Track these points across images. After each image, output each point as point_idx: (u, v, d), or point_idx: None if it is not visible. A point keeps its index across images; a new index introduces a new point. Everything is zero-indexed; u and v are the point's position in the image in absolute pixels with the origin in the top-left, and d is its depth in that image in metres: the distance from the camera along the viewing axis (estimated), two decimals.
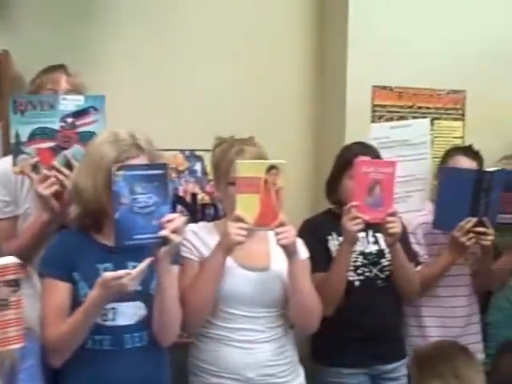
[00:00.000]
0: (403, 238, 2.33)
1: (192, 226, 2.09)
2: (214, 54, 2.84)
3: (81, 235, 1.80)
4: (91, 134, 1.96)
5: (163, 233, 1.64)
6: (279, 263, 1.97)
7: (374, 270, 2.32)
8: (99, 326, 1.71)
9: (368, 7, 2.77)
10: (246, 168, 1.83)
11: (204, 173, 2.73)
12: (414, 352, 1.86)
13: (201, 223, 2.17)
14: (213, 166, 2.10)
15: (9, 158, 2.05)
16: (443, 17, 2.84)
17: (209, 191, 2.67)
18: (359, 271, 2.30)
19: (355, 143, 2.44)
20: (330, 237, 2.32)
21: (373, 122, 2.79)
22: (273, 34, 2.93)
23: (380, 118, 2.81)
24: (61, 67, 2.24)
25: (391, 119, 2.82)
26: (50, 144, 1.98)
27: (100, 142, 1.77)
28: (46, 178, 1.92)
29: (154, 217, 1.66)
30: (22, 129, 1.98)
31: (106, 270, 1.69)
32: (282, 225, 1.85)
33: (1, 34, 2.54)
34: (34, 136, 1.98)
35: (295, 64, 2.98)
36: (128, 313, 1.74)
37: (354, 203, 2.10)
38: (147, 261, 1.64)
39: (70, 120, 2.01)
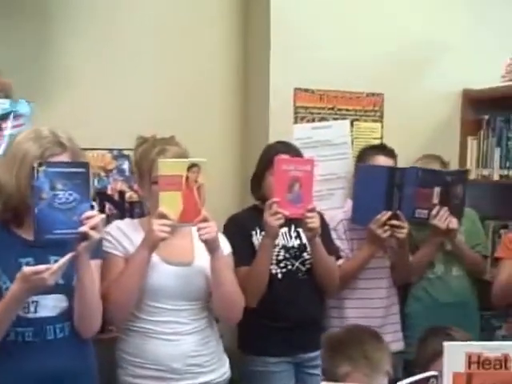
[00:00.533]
0: (324, 232, 2.43)
1: (117, 222, 2.14)
2: (139, 59, 2.82)
3: (1, 230, 1.81)
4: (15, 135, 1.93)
5: (82, 229, 1.67)
6: (202, 258, 2.04)
7: (296, 264, 2.41)
8: (21, 319, 1.73)
9: (289, 13, 2.82)
10: (167, 166, 1.89)
11: (131, 172, 2.69)
12: (325, 337, 1.94)
13: (126, 220, 2.22)
14: (135, 165, 2.15)
15: None
16: (362, 22, 2.92)
17: (136, 189, 2.67)
18: (282, 264, 2.39)
19: (277, 142, 2.53)
20: (253, 232, 2.39)
21: (295, 123, 2.85)
22: (197, 37, 2.93)
23: (302, 119, 2.87)
24: None
25: (313, 120, 2.89)
26: None
27: (22, 139, 1.79)
28: None
29: (75, 213, 1.69)
30: None
31: (27, 264, 1.71)
32: (204, 220, 1.92)
33: None
34: None
35: (220, 66, 3.01)
36: (50, 305, 1.77)
37: (274, 199, 2.19)
38: (68, 256, 1.67)
39: None
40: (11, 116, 2.05)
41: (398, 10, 3.00)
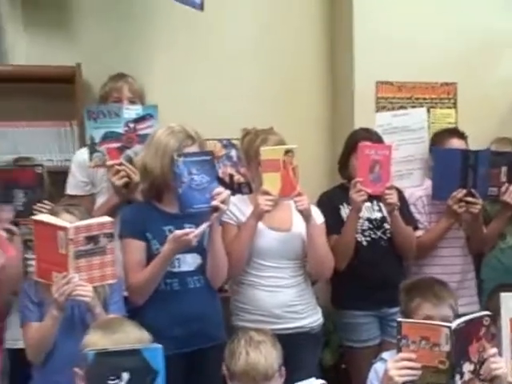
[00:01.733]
0: (402, 206, 2.78)
1: (232, 198, 2.59)
2: (241, 57, 3.31)
3: (147, 205, 2.32)
4: (148, 136, 2.39)
5: (214, 203, 2.16)
6: (299, 225, 2.47)
7: (378, 233, 2.79)
8: (169, 272, 2.23)
9: (371, 13, 3.18)
10: (267, 153, 2.33)
11: (238, 158, 3.18)
12: (402, 284, 2.32)
13: (238, 196, 2.69)
14: (243, 153, 2.60)
15: (84, 149, 2.55)
16: (437, 17, 3.22)
17: (243, 172, 3.13)
18: (366, 233, 2.78)
19: (360, 129, 2.91)
20: (341, 206, 2.79)
21: (377, 111, 3.21)
22: (290, 37, 3.37)
23: (383, 108, 3.22)
24: (122, 77, 2.74)
25: (393, 109, 3.23)
26: (117, 144, 2.45)
27: (161, 135, 2.27)
28: (118, 171, 2.41)
29: (207, 191, 2.16)
30: (95, 132, 2.44)
31: (169, 231, 2.21)
32: (299, 195, 2.37)
33: (74, 49, 3.06)
34: (104, 138, 2.45)
35: (310, 64, 3.42)
36: (189, 261, 2.26)
37: (358, 179, 2.60)
38: (206, 224, 2.16)
39: (131, 125, 2.47)
40: (143, 119, 2.49)
41: (469, 7, 3.26)
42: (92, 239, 1.97)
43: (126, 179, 2.40)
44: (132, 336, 1.72)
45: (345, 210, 2.78)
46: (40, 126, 2.96)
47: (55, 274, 1.97)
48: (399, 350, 1.72)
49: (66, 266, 1.94)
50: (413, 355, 1.67)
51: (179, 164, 2.14)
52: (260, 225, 2.44)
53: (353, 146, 2.79)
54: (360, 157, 2.64)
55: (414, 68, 3.24)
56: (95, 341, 1.69)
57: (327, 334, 2.81)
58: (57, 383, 1.99)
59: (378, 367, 2.15)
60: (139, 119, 2.49)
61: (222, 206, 2.18)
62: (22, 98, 3.01)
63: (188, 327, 2.24)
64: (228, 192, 2.24)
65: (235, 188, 3.15)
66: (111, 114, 2.47)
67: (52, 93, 2.99)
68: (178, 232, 2.14)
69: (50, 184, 2.58)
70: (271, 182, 2.34)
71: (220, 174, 3.14)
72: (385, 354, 2.20)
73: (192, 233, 2.14)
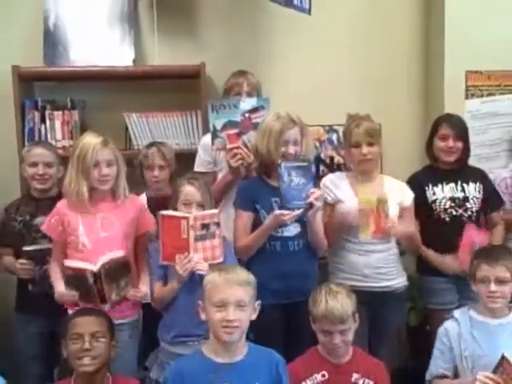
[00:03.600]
0: (489, 188, 3.14)
1: (330, 175, 3.04)
2: (344, 51, 3.69)
3: (259, 180, 2.78)
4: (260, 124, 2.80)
5: (309, 200, 2.61)
6: (390, 200, 2.80)
7: (460, 211, 3.08)
8: (273, 236, 2.68)
9: (462, 6, 3.46)
10: (363, 200, 2.71)
11: (339, 142, 3.57)
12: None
13: (337, 173, 3.11)
14: (343, 135, 3.01)
15: (208, 135, 3.01)
16: None
17: (343, 155, 3.48)
18: (448, 211, 3.08)
19: (444, 114, 3.24)
20: (426, 187, 3.09)
21: (466, 98, 3.49)
22: (388, 31, 3.69)
23: (472, 95, 3.49)
24: (243, 73, 3.17)
25: (481, 96, 3.49)
26: (235, 131, 2.87)
27: (269, 120, 2.74)
28: (235, 154, 2.86)
29: (303, 191, 2.62)
30: (217, 122, 2.86)
31: (275, 202, 2.67)
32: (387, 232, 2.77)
33: (199, 50, 3.56)
34: (225, 126, 2.87)
35: (405, 55, 3.74)
36: (290, 229, 2.70)
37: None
38: (300, 211, 2.61)
39: (247, 115, 2.88)
40: (257, 109, 2.91)
41: None
42: (205, 226, 2.49)
43: (240, 161, 2.86)
44: (241, 277, 2.09)
45: (429, 192, 3.10)
46: (170, 116, 3.47)
47: (178, 255, 2.48)
48: (494, 372, 2.16)
49: (188, 247, 2.47)
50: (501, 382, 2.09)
51: (282, 167, 2.62)
52: (355, 198, 2.80)
53: (435, 128, 3.12)
54: (465, 236, 2.96)
55: (502, 58, 3.47)
56: (213, 278, 2.09)
57: (413, 299, 3.15)
58: (180, 322, 2.50)
59: (448, 324, 2.54)
60: (254, 110, 2.90)
61: (315, 202, 2.62)
62: (155, 93, 3.55)
63: (286, 282, 2.66)
64: (320, 192, 2.67)
65: (335, 168, 3.55)
66: (230, 106, 2.91)
67: (180, 88, 3.51)
68: (278, 212, 2.60)
69: (177, 163, 3.11)
70: (365, 225, 2.74)
71: (322, 157, 3.56)
72: (455, 312, 2.58)
73: (289, 215, 2.59)
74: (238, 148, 2.86)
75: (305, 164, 2.67)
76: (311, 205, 2.62)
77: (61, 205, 2.63)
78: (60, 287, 2.53)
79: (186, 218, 2.47)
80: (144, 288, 2.60)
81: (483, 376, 2.21)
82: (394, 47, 3.74)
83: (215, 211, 2.55)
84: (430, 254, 3.07)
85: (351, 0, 3.72)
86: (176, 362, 2.18)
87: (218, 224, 2.52)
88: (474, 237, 2.95)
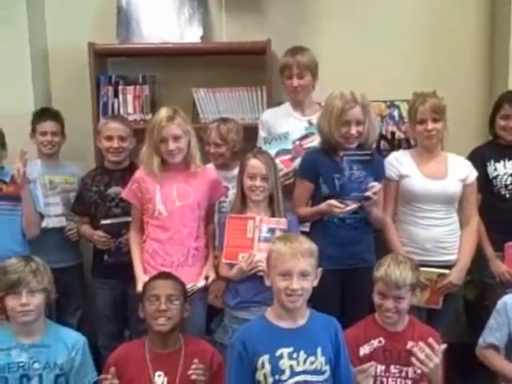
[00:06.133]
0: None
1: (395, 153, 3.09)
2: (409, 31, 3.72)
3: (323, 154, 2.84)
4: (312, 147, 2.97)
5: (367, 193, 2.69)
6: (453, 176, 2.90)
7: None
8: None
9: None
10: (424, 273, 2.74)
11: (400, 117, 3.60)
12: None
13: (400, 150, 3.17)
14: (408, 112, 3.04)
15: (267, 112, 3.23)
16: None
17: (404, 130, 3.56)
18: (509, 188, 3.10)
19: (507, 91, 3.24)
20: (488, 163, 3.12)
21: None
22: (449, 9, 3.73)
23: None
24: (294, 53, 3.10)
25: None
26: (288, 156, 3.02)
27: (332, 98, 2.80)
28: (289, 178, 2.98)
29: (363, 184, 2.70)
30: (270, 151, 2.96)
31: (337, 178, 2.74)
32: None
33: (265, 27, 3.66)
34: (277, 153, 3.00)
35: (470, 35, 3.76)
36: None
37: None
38: (357, 205, 2.71)
39: (297, 143, 3.04)
40: (307, 136, 3.06)
41: None
42: (271, 230, 2.67)
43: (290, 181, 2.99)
44: (305, 246, 2.16)
45: (491, 168, 3.13)
46: (236, 91, 3.58)
47: (241, 254, 2.64)
48: None
49: (252, 246, 2.64)
50: None
51: (344, 160, 2.69)
52: (418, 173, 2.90)
53: (498, 106, 3.14)
54: (507, 255, 3.02)
55: None
56: (279, 247, 2.16)
57: (470, 273, 3.17)
58: (244, 289, 2.68)
59: (507, 299, 2.60)
60: (304, 137, 3.07)
61: (373, 196, 2.71)
62: (222, 69, 3.68)
63: (343, 249, 2.78)
64: (380, 185, 2.74)
65: (396, 143, 3.61)
66: (281, 138, 3.08)
67: (246, 64, 3.62)
68: (333, 201, 2.71)
69: (244, 137, 3.22)
70: (422, 295, 2.82)
71: (383, 132, 3.61)
72: None
73: (341, 209, 2.70)
74: (290, 172, 3.01)
75: (367, 157, 2.72)
76: (369, 198, 2.71)
77: (140, 173, 2.81)
78: (139, 272, 2.77)
79: (253, 219, 2.66)
80: (210, 272, 2.79)
81: None
82: (459, 22, 3.74)
83: (283, 220, 2.71)
84: (489, 253, 3.12)
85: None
86: (241, 327, 2.32)
87: (284, 231, 2.66)
88: None
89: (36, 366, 2.36)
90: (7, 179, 2.90)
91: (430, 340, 2.30)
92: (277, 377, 2.10)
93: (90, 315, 3.41)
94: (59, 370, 2.39)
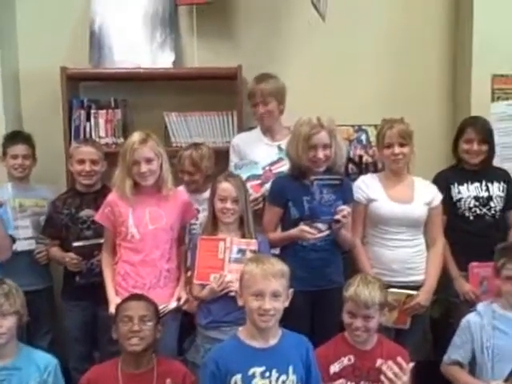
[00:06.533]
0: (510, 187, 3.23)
1: (363, 176, 3.17)
2: (372, 55, 3.82)
3: (291, 178, 2.91)
4: (282, 172, 3.05)
5: (337, 217, 2.77)
6: (419, 200, 2.98)
7: (484, 210, 3.20)
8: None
9: (489, 15, 3.58)
10: (393, 294, 2.83)
11: (368, 141, 3.71)
12: (498, 246, 2.74)
13: (369, 174, 3.23)
14: (376, 137, 3.13)
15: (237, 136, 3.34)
16: None
17: (371, 154, 3.67)
18: (472, 210, 3.20)
19: (469, 117, 3.37)
20: (452, 186, 3.21)
21: (492, 101, 3.61)
22: (415, 33, 3.82)
23: (498, 98, 3.60)
24: (260, 81, 3.21)
25: (507, 99, 3.60)
26: (258, 182, 3.11)
27: (298, 124, 2.87)
28: (258, 203, 3.06)
29: (332, 207, 2.77)
30: (242, 175, 3.00)
31: (306, 200, 2.80)
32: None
33: (236, 53, 3.74)
34: (248, 178, 3.06)
35: (434, 59, 3.86)
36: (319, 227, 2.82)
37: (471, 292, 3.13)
38: (326, 233, 2.79)
39: (267, 168, 3.14)
40: (278, 161, 3.18)
41: None
42: (241, 251, 2.72)
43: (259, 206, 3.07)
44: (276, 267, 2.22)
45: (454, 190, 3.23)
46: (208, 116, 3.63)
47: (213, 275, 2.70)
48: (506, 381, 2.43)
49: (223, 267, 2.69)
50: None
51: (314, 185, 2.77)
52: (385, 197, 2.99)
53: (461, 131, 3.26)
54: (470, 275, 3.12)
55: None
56: (251, 269, 2.22)
57: (436, 293, 3.19)
58: (215, 309, 2.72)
59: (471, 317, 2.69)
60: (274, 162, 3.18)
61: (342, 219, 2.78)
62: (194, 94, 3.73)
63: (312, 271, 2.84)
64: (348, 209, 2.82)
65: (363, 167, 3.71)
66: (252, 163, 3.18)
67: (217, 89, 3.69)
68: (304, 227, 2.78)
69: (215, 161, 3.26)
70: (391, 315, 2.89)
71: (351, 155, 3.71)
72: (479, 306, 2.73)
73: (312, 235, 2.78)
74: (260, 197, 3.11)
75: (337, 182, 2.81)
76: (338, 221, 2.79)
77: (112, 197, 2.84)
78: (112, 294, 2.80)
79: (224, 240, 2.72)
80: (181, 293, 2.84)
81: None
82: (423, 52, 3.87)
83: (254, 241, 2.76)
84: (454, 273, 3.21)
85: (379, 6, 3.85)
86: (214, 347, 2.36)
87: (254, 252, 2.72)
88: (479, 274, 3.11)
89: None
90: None
91: (399, 359, 2.36)
92: None
93: (59, 338, 3.39)
94: None
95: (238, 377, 2.15)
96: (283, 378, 2.18)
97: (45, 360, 2.48)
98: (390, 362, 2.36)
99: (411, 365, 2.38)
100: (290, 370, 2.20)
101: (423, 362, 2.70)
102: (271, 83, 3.22)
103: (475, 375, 2.66)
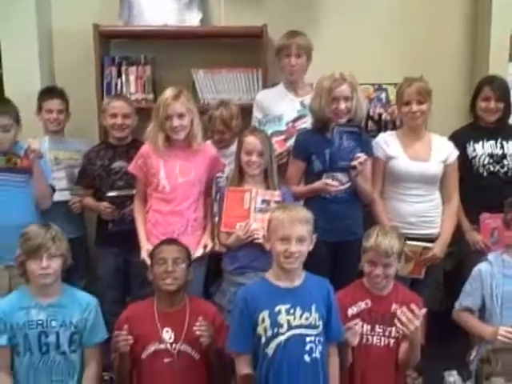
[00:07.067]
0: None
1: (382, 134, 3.31)
2: (394, 17, 3.92)
3: (315, 133, 3.08)
4: (304, 128, 3.19)
5: (354, 163, 2.92)
6: (435, 157, 3.12)
7: (497, 167, 3.32)
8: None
9: None
10: (409, 246, 2.97)
11: (387, 100, 3.82)
12: (507, 200, 2.88)
13: (388, 132, 3.38)
14: (396, 94, 3.26)
15: (261, 92, 3.49)
16: None
17: (390, 112, 3.78)
18: (486, 167, 3.32)
19: (487, 76, 3.46)
20: (467, 144, 3.32)
21: (510, 61, 3.69)
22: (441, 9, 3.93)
23: None
24: (292, 35, 3.36)
25: None
26: (282, 137, 3.25)
27: (322, 78, 3.02)
28: (282, 157, 3.21)
29: (351, 153, 2.92)
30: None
31: (329, 153, 2.95)
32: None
33: (261, 12, 3.85)
34: (271, 134, 3.17)
35: (454, 16, 3.96)
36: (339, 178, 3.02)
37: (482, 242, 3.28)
38: (347, 185, 2.96)
39: (290, 124, 3.27)
40: (300, 118, 3.31)
41: None
42: (266, 201, 2.88)
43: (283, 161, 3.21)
44: (301, 213, 2.38)
45: (470, 148, 3.34)
46: (234, 73, 3.78)
47: (239, 223, 2.86)
48: None
49: (249, 216, 2.86)
50: None
51: (334, 131, 2.91)
52: (403, 155, 3.12)
53: (479, 89, 3.36)
54: (482, 226, 3.25)
55: None
56: (278, 215, 2.38)
57: (450, 246, 3.30)
58: (241, 256, 2.91)
59: (482, 265, 2.84)
60: (296, 119, 3.30)
61: (359, 166, 2.93)
62: (220, 51, 3.86)
63: (334, 222, 3.00)
64: (365, 156, 2.94)
65: (382, 124, 3.82)
66: (275, 120, 3.32)
67: (243, 47, 3.81)
68: (327, 180, 2.96)
69: (241, 117, 3.39)
70: (407, 266, 3.03)
71: (371, 113, 3.81)
72: (489, 255, 2.88)
73: (335, 187, 2.94)
74: (283, 152, 3.24)
75: (355, 130, 2.96)
76: (354, 167, 2.93)
77: (146, 149, 3.00)
78: (143, 241, 2.98)
79: (250, 191, 2.88)
80: (208, 241, 3.01)
81: (505, 331, 2.57)
82: (443, 11, 3.94)
83: (277, 192, 2.91)
84: (466, 225, 3.35)
85: None
86: (244, 287, 2.55)
87: (278, 203, 2.86)
88: (490, 225, 3.24)
89: (53, 323, 2.57)
90: (21, 153, 3.07)
91: (412, 305, 2.51)
92: (275, 330, 2.34)
93: (91, 286, 3.57)
94: (74, 328, 2.60)
95: (266, 313, 2.35)
96: (306, 314, 2.37)
97: (86, 299, 2.69)
98: (404, 308, 2.50)
99: (424, 311, 2.53)
100: (313, 308, 2.39)
101: (435, 312, 2.88)
102: (304, 39, 3.38)
103: (484, 321, 2.82)
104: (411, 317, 2.46)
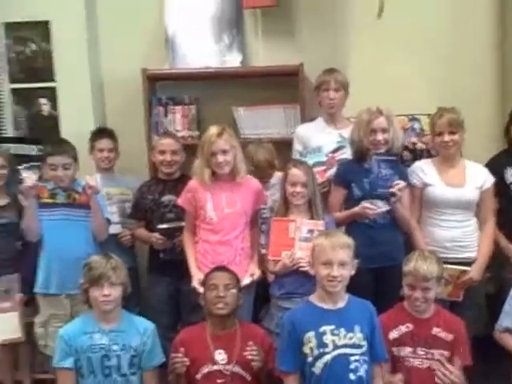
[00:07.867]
0: None
1: (418, 162, 3.44)
2: (424, 47, 3.94)
3: (354, 163, 3.22)
4: (344, 159, 3.34)
5: (392, 189, 3.07)
6: (470, 183, 3.22)
7: None
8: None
9: None
10: (448, 270, 3.05)
11: (421, 129, 3.91)
12: None
13: (424, 159, 3.50)
14: (429, 125, 3.41)
15: (301, 126, 3.66)
16: None
17: (424, 141, 3.87)
18: None
19: None
20: (505, 170, 3.39)
21: None
22: (466, 29, 3.92)
23: None
24: (331, 72, 3.52)
25: None
26: (323, 168, 3.40)
27: (362, 112, 3.21)
28: (324, 187, 3.34)
29: (388, 181, 3.08)
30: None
31: (367, 182, 3.12)
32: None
33: (298, 52, 4.04)
34: (312, 166, 3.28)
35: (483, 46, 3.93)
36: (379, 205, 3.14)
37: None
38: (386, 208, 3.10)
39: (331, 155, 3.42)
40: (339, 149, 3.45)
41: None
42: (310, 231, 3.01)
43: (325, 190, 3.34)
44: (342, 239, 2.55)
45: (508, 174, 3.41)
46: (272, 109, 3.98)
47: (284, 252, 3.00)
48: None
49: (294, 245, 2.99)
50: None
51: (372, 159, 3.10)
52: (439, 182, 3.24)
53: None
54: None
55: None
56: (321, 241, 2.55)
57: (490, 270, 3.41)
58: (288, 282, 3.04)
59: None
60: (336, 150, 3.45)
61: (398, 192, 3.08)
62: (260, 89, 4.07)
63: (375, 249, 3.09)
64: (405, 184, 3.10)
65: (417, 153, 3.92)
66: (315, 151, 3.47)
67: (281, 85, 4.00)
68: (366, 204, 3.09)
69: (279, 150, 3.58)
70: (445, 289, 3.11)
71: (406, 143, 3.92)
72: None
73: (373, 210, 3.08)
74: (324, 182, 3.39)
75: (393, 158, 3.14)
76: (394, 194, 3.08)
77: (193, 183, 3.19)
78: (194, 269, 3.14)
79: (294, 221, 3.03)
80: (255, 270, 3.15)
81: None
82: (472, 41, 3.98)
83: (321, 222, 3.05)
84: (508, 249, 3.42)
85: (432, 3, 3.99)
86: (290, 311, 2.71)
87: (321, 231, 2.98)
88: None
89: (115, 347, 2.76)
90: (79, 190, 3.31)
91: (448, 365, 2.67)
92: (321, 350, 2.49)
93: (144, 312, 3.75)
94: (134, 351, 2.79)
95: (312, 334, 2.50)
96: (350, 334, 2.52)
97: (144, 324, 2.87)
98: (439, 364, 2.68)
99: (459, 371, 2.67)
100: (357, 328, 2.53)
101: (479, 336, 2.95)
102: (341, 75, 3.56)
103: None
104: (448, 374, 2.63)
